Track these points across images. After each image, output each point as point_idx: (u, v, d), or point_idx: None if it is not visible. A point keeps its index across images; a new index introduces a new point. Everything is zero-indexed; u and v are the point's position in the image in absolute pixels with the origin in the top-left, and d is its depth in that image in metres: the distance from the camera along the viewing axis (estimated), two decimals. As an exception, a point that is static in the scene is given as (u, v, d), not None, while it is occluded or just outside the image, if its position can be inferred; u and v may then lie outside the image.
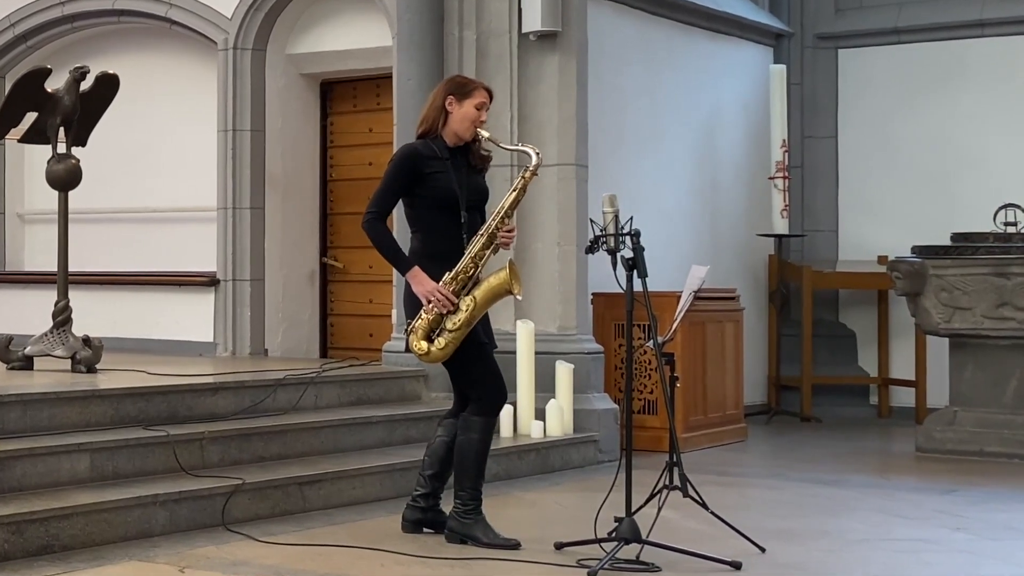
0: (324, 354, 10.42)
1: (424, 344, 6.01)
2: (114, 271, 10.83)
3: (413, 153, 6.12)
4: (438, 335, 6.00)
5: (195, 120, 10.59)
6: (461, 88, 6.19)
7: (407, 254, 6.12)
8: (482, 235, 6.03)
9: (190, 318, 10.42)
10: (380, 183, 6.12)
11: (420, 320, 6.01)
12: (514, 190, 6.10)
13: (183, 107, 10.75)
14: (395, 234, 6.79)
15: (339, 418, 7.82)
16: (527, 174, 6.10)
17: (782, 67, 11.66)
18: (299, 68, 10.41)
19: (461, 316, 5.97)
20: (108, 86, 8.20)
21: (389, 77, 9.40)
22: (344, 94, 10.53)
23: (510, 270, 6.01)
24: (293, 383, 7.97)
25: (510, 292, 6.04)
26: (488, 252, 6.06)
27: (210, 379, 7.71)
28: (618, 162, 10.07)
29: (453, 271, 6.00)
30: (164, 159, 10.86)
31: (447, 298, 5.95)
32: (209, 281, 10.30)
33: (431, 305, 5.96)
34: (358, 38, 10.01)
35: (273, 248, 10.27)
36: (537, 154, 6.14)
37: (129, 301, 10.75)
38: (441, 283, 5.98)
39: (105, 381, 7.48)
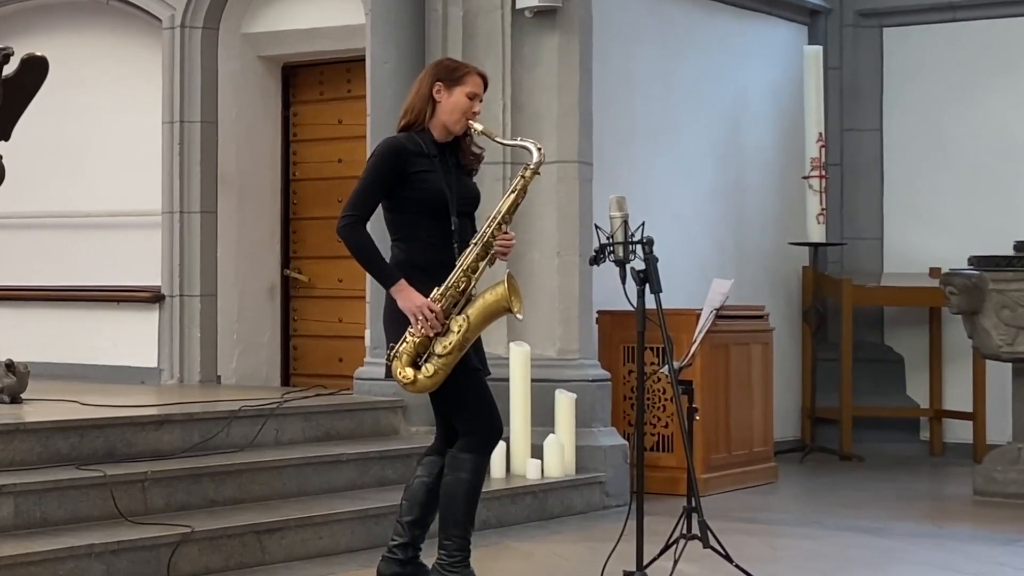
0: (286, 382, 10.44)
1: (410, 371, 5.99)
2: (42, 285, 10.85)
3: (398, 147, 6.11)
4: (426, 361, 5.97)
5: (137, 110, 10.61)
6: (451, 73, 6.20)
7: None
8: (476, 244, 6.02)
9: (130, 340, 10.43)
10: (359, 182, 6.11)
11: (405, 343, 5.99)
12: (512, 191, 6.09)
13: (123, 95, 10.76)
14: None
15: (303, 456, 7.83)
16: (527, 173, 6.08)
17: (818, 48, 11.71)
18: (257, 50, 10.44)
19: (452, 338, 5.93)
20: (35, 71, 8.20)
21: (362, 60, 9.43)
22: (309, 80, 10.56)
23: (508, 285, 5.96)
24: (250, 415, 7.98)
25: (509, 310, 5.97)
26: (483, 264, 6.04)
27: (154, 411, 7.73)
28: (628, 159, 10.11)
29: (443, 286, 5.96)
30: (101, 156, 10.87)
31: (438, 317, 5.93)
32: (153, 297, 10.31)
33: (420, 324, 5.95)
34: (326, 15, 10.03)
35: (227, 259, 10.29)
36: (539, 149, 6.13)
37: (60, 320, 10.75)
38: (430, 299, 5.98)
39: (32, 413, 7.49)
